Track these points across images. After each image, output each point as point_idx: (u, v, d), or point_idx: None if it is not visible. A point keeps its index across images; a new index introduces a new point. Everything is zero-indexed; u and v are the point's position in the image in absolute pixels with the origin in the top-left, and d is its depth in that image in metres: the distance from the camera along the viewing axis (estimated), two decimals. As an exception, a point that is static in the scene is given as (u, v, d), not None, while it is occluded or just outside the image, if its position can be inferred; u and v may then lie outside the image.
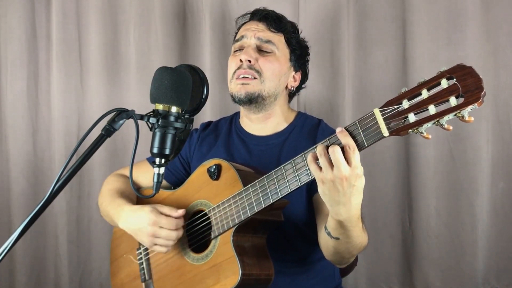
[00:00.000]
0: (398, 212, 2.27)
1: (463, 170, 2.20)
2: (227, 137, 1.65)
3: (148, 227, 1.40)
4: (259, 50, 1.54)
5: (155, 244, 1.41)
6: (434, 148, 2.20)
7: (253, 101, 1.52)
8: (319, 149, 1.10)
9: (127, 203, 1.53)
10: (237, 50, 1.57)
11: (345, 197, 1.10)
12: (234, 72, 1.53)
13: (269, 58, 1.53)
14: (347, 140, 1.07)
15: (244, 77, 1.51)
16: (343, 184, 1.07)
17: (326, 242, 1.31)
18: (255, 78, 1.51)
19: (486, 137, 2.18)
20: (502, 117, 2.18)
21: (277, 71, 1.53)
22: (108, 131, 1.05)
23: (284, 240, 1.50)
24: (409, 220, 2.26)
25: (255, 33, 1.55)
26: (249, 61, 1.50)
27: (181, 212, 1.41)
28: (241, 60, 1.52)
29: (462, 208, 2.21)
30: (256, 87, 1.51)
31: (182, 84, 1.07)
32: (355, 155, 1.07)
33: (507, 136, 2.19)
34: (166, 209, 1.42)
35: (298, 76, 1.62)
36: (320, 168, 1.10)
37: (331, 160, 1.08)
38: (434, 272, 2.23)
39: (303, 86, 1.68)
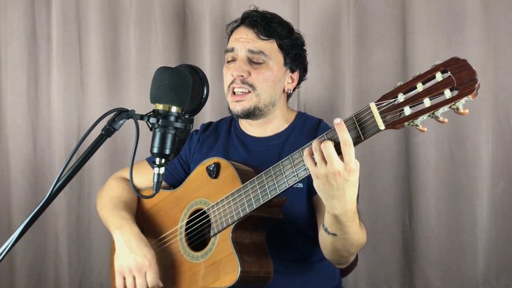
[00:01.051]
0: (398, 212, 2.27)
1: (463, 170, 2.20)
2: (226, 138, 1.64)
3: (142, 261, 1.42)
4: (251, 61, 1.51)
5: (123, 277, 1.44)
6: (434, 148, 2.20)
7: (250, 114, 1.52)
8: (314, 144, 1.11)
9: (134, 223, 1.53)
10: (230, 61, 1.55)
11: (339, 191, 1.11)
12: (229, 86, 1.53)
13: (261, 70, 1.50)
14: (343, 135, 1.07)
15: (238, 93, 1.51)
16: (336, 178, 1.08)
17: (324, 240, 1.31)
18: (249, 92, 1.50)
19: (486, 137, 2.18)
20: (502, 117, 2.19)
21: (270, 81, 1.51)
22: (108, 131, 1.05)
23: (285, 240, 1.50)
24: (409, 220, 2.26)
25: (244, 44, 1.51)
26: (242, 75, 1.49)
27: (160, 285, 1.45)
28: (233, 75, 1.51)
29: (462, 208, 2.21)
30: (251, 101, 1.50)
31: (182, 84, 1.07)
32: (350, 150, 1.07)
33: (507, 136, 2.19)
34: (157, 270, 1.45)
35: (295, 75, 1.60)
36: (315, 163, 1.11)
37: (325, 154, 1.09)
38: (434, 272, 2.23)
39: (303, 78, 1.66)
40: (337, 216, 1.17)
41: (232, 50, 1.54)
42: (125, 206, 1.59)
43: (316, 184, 1.13)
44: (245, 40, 1.52)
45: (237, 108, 1.51)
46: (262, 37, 1.51)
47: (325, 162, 1.08)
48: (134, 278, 1.43)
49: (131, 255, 1.44)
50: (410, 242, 2.26)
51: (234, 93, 1.51)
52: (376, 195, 2.24)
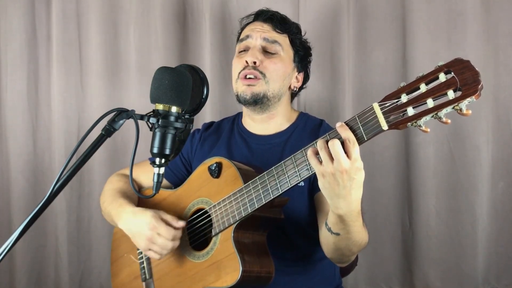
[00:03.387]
0: (398, 212, 2.27)
1: (463, 170, 2.20)
2: (228, 136, 1.65)
3: (147, 231, 1.41)
4: (264, 51, 1.55)
5: (150, 250, 1.43)
6: (434, 148, 2.20)
7: (258, 101, 1.53)
8: (320, 143, 1.11)
9: (129, 204, 1.53)
10: (242, 51, 1.58)
11: (345, 190, 1.11)
12: (240, 72, 1.54)
13: (274, 60, 1.54)
14: (347, 133, 1.09)
15: (249, 77, 1.52)
16: (343, 177, 1.09)
17: (326, 239, 1.31)
18: (259, 78, 1.52)
19: (486, 137, 2.18)
20: (502, 117, 2.18)
21: (281, 72, 1.55)
22: (108, 131, 1.05)
23: (285, 239, 1.50)
24: (409, 220, 2.26)
25: (260, 33, 1.56)
26: (254, 62, 1.52)
27: (181, 223, 1.42)
28: (246, 62, 1.53)
29: (462, 208, 2.21)
30: (261, 87, 1.52)
31: (182, 84, 1.07)
32: (355, 149, 1.08)
33: (507, 136, 2.19)
34: (168, 217, 1.43)
35: (300, 77, 1.64)
36: (321, 162, 1.11)
37: (331, 153, 1.09)
38: (434, 272, 2.23)
39: (304, 86, 1.69)
40: (341, 216, 1.17)
41: (247, 37, 1.58)
42: (122, 194, 1.60)
43: (321, 183, 1.13)
44: (260, 30, 1.57)
45: (247, 92, 1.53)
46: (277, 30, 1.57)
47: (332, 160, 1.09)
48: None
49: (139, 233, 1.43)
50: (410, 242, 2.26)
51: (245, 77, 1.53)
52: (376, 195, 2.24)
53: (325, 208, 1.41)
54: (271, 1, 2.12)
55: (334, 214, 1.19)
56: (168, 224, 1.41)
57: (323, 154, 1.10)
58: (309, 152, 1.14)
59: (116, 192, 1.62)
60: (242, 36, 1.61)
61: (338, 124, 1.11)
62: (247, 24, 1.63)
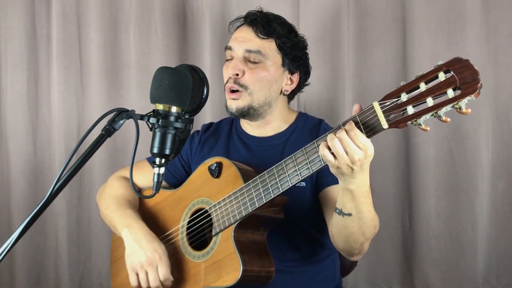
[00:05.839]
0: (398, 212, 2.27)
1: (463, 170, 2.20)
2: (227, 138, 1.65)
3: (151, 257, 1.43)
4: (248, 60, 1.51)
5: (136, 272, 1.45)
6: (434, 148, 2.20)
7: (245, 114, 1.53)
8: (330, 136, 1.13)
9: (141, 220, 1.54)
10: (228, 59, 1.56)
11: (362, 169, 1.16)
12: (225, 84, 1.54)
13: (257, 70, 1.50)
14: (351, 127, 1.11)
15: (232, 91, 1.52)
16: (358, 164, 1.13)
17: (338, 226, 1.31)
18: (242, 91, 1.50)
19: (486, 137, 2.18)
20: (502, 117, 2.19)
21: (266, 81, 1.51)
22: (108, 131, 1.05)
23: (286, 239, 1.50)
24: (409, 220, 2.26)
25: (242, 44, 1.51)
26: (237, 74, 1.50)
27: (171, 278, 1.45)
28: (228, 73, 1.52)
29: (462, 208, 2.21)
30: (245, 100, 1.51)
31: (182, 84, 1.07)
32: (360, 134, 1.10)
33: (507, 136, 2.19)
34: (169, 263, 1.45)
35: (295, 77, 1.58)
36: (333, 155, 1.12)
37: (343, 147, 1.11)
38: (434, 272, 2.23)
39: (306, 83, 1.65)
40: (352, 191, 1.19)
41: (230, 48, 1.55)
42: (129, 204, 1.60)
43: (334, 171, 1.16)
44: (243, 40, 1.52)
45: (232, 106, 1.53)
46: (261, 36, 1.51)
47: (346, 152, 1.11)
48: (147, 273, 1.44)
49: (142, 251, 1.44)
50: (410, 242, 2.26)
51: (230, 91, 1.53)
52: (376, 195, 2.20)
53: (333, 204, 1.40)
54: (271, 1, 2.12)
55: (346, 191, 1.20)
56: (167, 266, 1.44)
57: (336, 148, 1.11)
58: (322, 146, 1.14)
59: (121, 200, 1.61)
60: (229, 43, 1.57)
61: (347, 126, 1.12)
62: (236, 27, 1.59)
